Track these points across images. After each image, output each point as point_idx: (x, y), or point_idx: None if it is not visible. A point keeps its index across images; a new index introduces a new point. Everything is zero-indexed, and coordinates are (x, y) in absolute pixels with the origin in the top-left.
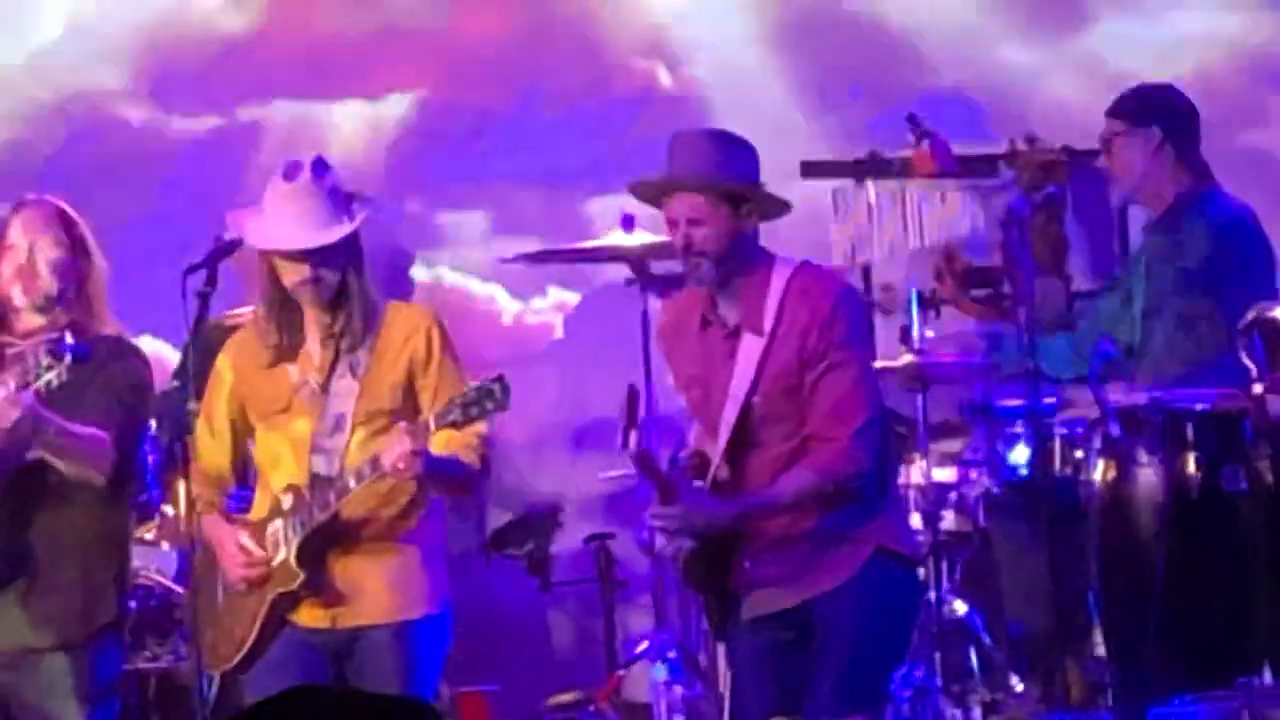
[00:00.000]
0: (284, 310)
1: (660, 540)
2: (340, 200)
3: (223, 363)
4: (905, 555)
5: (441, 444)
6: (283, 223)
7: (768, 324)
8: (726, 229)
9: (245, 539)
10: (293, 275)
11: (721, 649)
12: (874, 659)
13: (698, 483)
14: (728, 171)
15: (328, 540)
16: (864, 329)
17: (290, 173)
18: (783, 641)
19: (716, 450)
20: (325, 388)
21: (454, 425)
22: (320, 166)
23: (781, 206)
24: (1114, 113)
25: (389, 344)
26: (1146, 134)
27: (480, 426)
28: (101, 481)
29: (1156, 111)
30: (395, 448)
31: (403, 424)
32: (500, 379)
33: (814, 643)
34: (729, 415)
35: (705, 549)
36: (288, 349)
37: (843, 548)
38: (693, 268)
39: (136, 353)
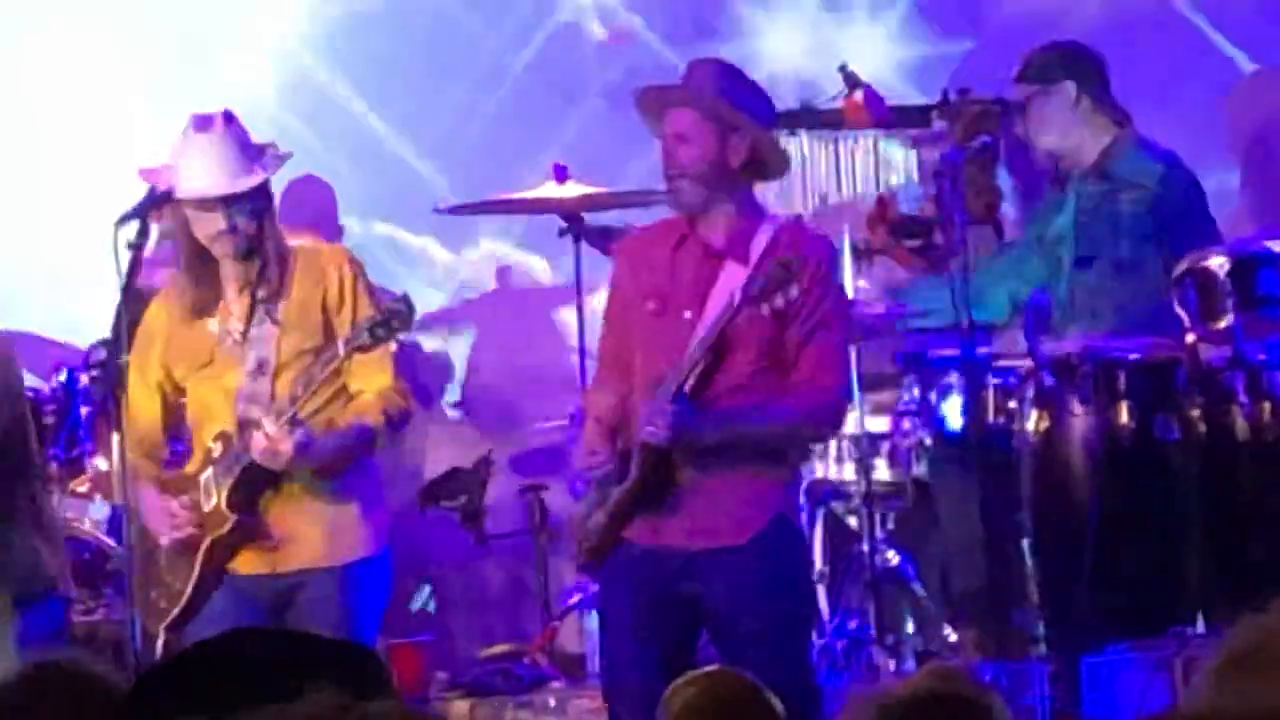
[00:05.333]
0: (201, 265)
1: (595, 460)
2: (252, 151)
3: (145, 327)
4: (802, 533)
5: (350, 412)
6: (199, 172)
7: (755, 255)
8: (711, 153)
9: (174, 505)
10: (208, 227)
11: None
12: (786, 644)
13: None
14: (726, 96)
15: (260, 484)
16: (846, 295)
17: (202, 124)
18: (661, 596)
19: (682, 364)
20: (246, 335)
21: (363, 349)
22: (230, 118)
23: (779, 160)
24: (1023, 76)
25: (303, 285)
26: (1060, 90)
27: (385, 377)
28: None
29: (1066, 66)
30: (258, 441)
31: (266, 419)
32: (404, 298)
33: (706, 618)
34: (704, 335)
35: (654, 473)
36: (206, 303)
37: (751, 504)
38: (674, 190)
39: None
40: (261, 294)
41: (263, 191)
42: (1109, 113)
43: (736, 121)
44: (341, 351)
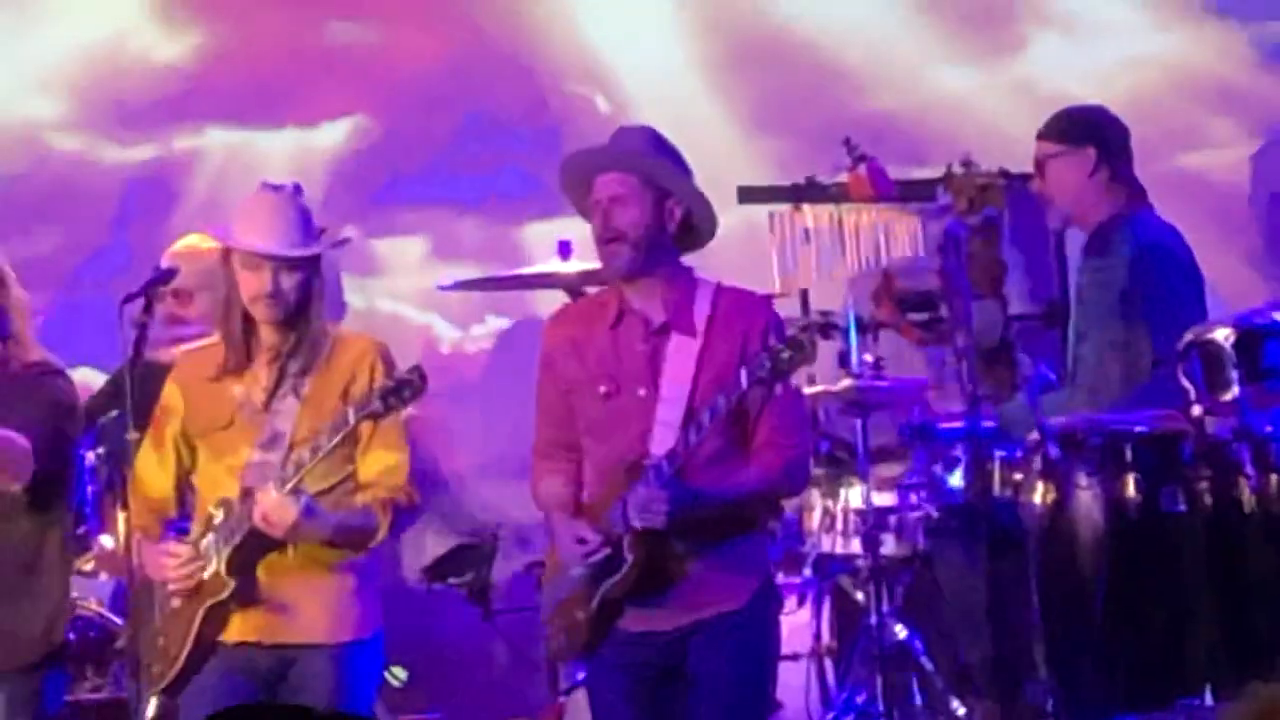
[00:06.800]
0: (239, 326)
1: (588, 543)
2: (312, 226)
3: (171, 388)
4: (780, 594)
5: (359, 499)
6: (256, 227)
7: (700, 325)
8: (648, 217)
9: (172, 545)
10: (253, 286)
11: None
12: (756, 705)
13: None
14: (661, 160)
15: (260, 552)
16: None
17: (271, 187)
18: (652, 674)
19: (656, 442)
20: (267, 405)
21: (373, 416)
22: (299, 190)
23: (710, 225)
24: (1047, 134)
25: (333, 370)
26: (1082, 155)
27: (399, 457)
28: (19, 488)
29: (1091, 132)
30: (259, 507)
31: (269, 485)
32: (418, 368)
33: (687, 683)
34: (668, 415)
35: (650, 559)
36: (235, 366)
37: (745, 566)
38: (609, 255)
39: (61, 374)
40: (291, 368)
41: (313, 266)
42: (1123, 185)
43: (672, 185)
44: (351, 419)
